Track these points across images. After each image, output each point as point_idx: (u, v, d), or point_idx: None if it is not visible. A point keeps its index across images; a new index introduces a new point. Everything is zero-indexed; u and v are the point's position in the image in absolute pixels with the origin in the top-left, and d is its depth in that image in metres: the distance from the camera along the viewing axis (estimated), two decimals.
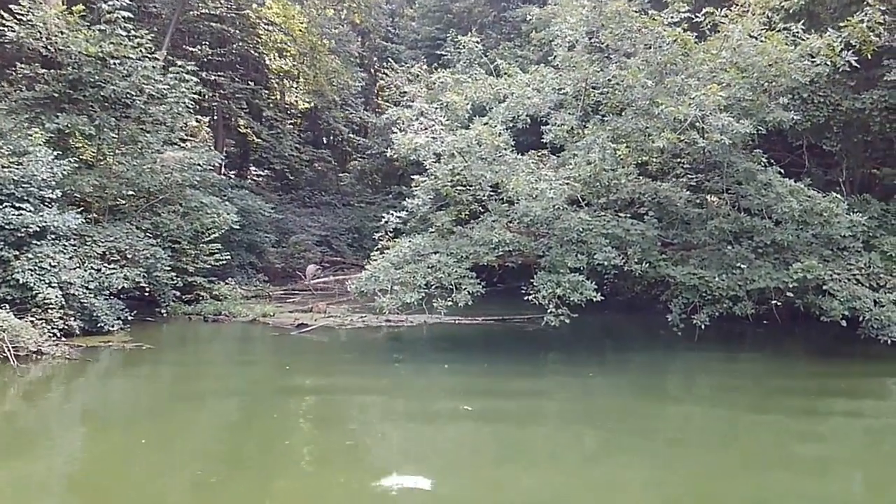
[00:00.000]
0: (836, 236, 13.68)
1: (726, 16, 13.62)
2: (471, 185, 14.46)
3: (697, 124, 12.91)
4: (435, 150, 13.56)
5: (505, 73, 14.83)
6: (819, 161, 17.23)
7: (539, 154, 15.07)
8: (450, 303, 12.91)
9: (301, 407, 11.29)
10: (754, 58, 13.10)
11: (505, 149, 13.61)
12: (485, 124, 13.47)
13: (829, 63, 13.10)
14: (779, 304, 13.77)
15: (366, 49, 38.72)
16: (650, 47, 13.80)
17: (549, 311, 12.78)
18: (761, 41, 13.08)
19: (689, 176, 15.98)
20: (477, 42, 17.00)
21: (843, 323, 13.10)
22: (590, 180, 13.39)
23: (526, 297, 13.16)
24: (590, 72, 13.83)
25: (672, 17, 13.75)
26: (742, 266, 13.64)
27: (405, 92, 18.03)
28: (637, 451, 8.94)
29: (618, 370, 13.67)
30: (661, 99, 12.89)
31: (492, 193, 14.16)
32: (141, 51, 18.33)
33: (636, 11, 13.92)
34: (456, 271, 13.02)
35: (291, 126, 32.74)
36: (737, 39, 13.20)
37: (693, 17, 13.86)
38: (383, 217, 14.41)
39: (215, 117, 29.51)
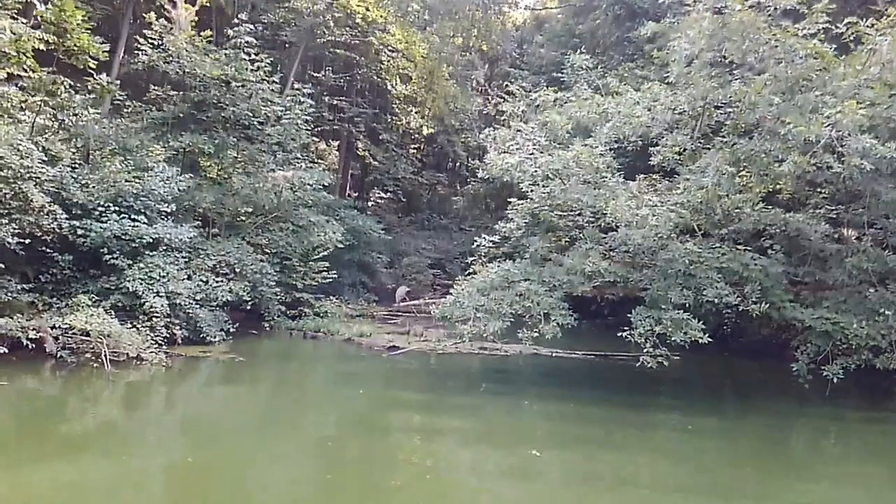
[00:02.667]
0: None
1: (872, 25, 11.84)
2: (571, 210, 13.49)
3: (835, 147, 11.22)
4: (528, 171, 12.77)
5: (614, 91, 13.78)
6: None
7: (650, 178, 13.80)
8: (536, 334, 11.97)
9: (360, 441, 10.40)
10: None
11: (606, 171, 12.58)
12: (585, 145, 12.52)
13: None
14: None
15: (494, 76, 38.69)
16: (781, 62, 12.26)
17: (645, 349, 11.49)
18: None
19: (828, 207, 14.07)
20: (587, 59, 16.03)
21: None
22: (701, 207, 12.01)
23: (619, 334, 11.92)
24: (708, 88, 12.50)
25: (807, 29, 12.14)
26: (887, 312, 11.86)
27: (502, 111, 17.44)
28: None
29: (733, 426, 11.90)
30: (790, 118, 11.34)
31: (591, 220, 13.09)
32: (260, 74, 19.13)
33: (765, 23, 12.43)
34: (546, 301, 12.08)
35: (414, 150, 33.20)
36: (886, 52, 11.41)
37: (833, 27, 12.16)
38: (475, 241, 13.81)
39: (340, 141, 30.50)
